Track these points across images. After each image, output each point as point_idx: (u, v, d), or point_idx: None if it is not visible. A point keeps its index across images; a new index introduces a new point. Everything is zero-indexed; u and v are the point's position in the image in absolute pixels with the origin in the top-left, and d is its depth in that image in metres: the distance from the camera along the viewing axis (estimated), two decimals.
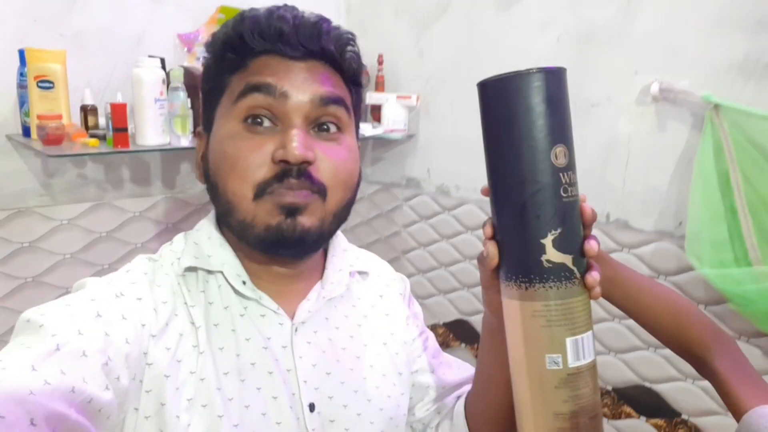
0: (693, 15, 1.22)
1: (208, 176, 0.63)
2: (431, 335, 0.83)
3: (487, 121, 0.48)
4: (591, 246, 0.49)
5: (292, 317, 0.64)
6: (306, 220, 0.58)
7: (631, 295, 0.76)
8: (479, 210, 1.67)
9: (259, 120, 0.59)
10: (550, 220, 0.46)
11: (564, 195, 0.46)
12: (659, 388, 1.33)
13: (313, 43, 0.59)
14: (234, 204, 0.59)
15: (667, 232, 1.32)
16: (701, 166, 1.20)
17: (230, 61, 0.60)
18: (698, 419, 1.28)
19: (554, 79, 0.47)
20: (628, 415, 1.40)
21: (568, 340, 0.47)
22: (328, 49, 0.60)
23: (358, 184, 0.65)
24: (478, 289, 0.89)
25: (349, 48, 0.63)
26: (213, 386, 0.58)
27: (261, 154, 0.57)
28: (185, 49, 1.61)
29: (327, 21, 0.61)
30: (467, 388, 0.80)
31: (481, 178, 0.51)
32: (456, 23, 1.67)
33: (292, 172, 0.57)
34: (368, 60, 1.89)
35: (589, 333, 0.48)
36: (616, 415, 1.42)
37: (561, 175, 0.46)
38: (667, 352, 0.96)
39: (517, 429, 0.52)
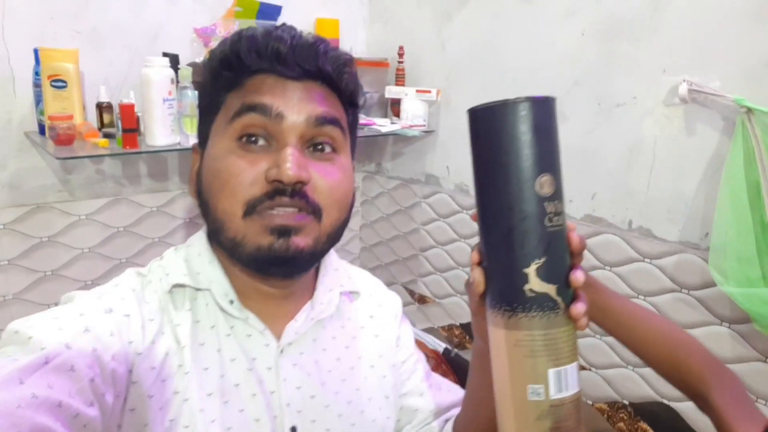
0: (727, 9, 1.13)
1: (200, 193, 0.62)
2: (422, 357, 0.82)
3: (475, 148, 0.49)
4: (576, 277, 0.47)
5: (279, 337, 0.64)
6: (300, 240, 0.57)
7: (625, 323, 0.73)
8: None
9: (253, 139, 0.58)
10: (533, 249, 0.46)
11: (549, 224, 0.46)
12: (678, 406, 1.27)
13: (310, 64, 0.59)
14: (224, 222, 0.58)
15: (691, 243, 1.24)
16: (730, 174, 1.12)
17: (226, 79, 0.60)
18: None
19: (542, 108, 0.46)
20: None
21: (551, 371, 0.46)
22: (325, 70, 0.60)
23: (352, 205, 0.65)
24: None
25: (347, 69, 0.63)
26: (196, 408, 0.58)
27: (253, 173, 0.57)
28: (202, 43, 1.60)
29: (324, 42, 0.61)
30: (456, 411, 0.79)
31: None
32: (478, 14, 1.60)
33: (285, 191, 0.56)
34: (389, 52, 1.84)
35: (574, 364, 0.47)
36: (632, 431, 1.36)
37: (546, 204, 0.46)
38: None
39: None
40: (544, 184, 0.45)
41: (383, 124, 1.70)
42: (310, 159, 0.59)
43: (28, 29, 1.33)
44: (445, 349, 1.76)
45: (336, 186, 0.60)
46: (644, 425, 1.33)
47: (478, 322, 0.56)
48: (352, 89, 0.64)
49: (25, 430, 0.42)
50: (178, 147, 1.30)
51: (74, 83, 1.28)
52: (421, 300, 1.89)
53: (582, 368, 1.46)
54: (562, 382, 0.46)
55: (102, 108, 1.37)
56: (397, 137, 1.86)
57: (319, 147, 0.60)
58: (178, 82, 1.28)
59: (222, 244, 0.60)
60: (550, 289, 0.46)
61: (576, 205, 1.44)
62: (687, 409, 1.25)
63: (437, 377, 0.83)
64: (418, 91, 1.71)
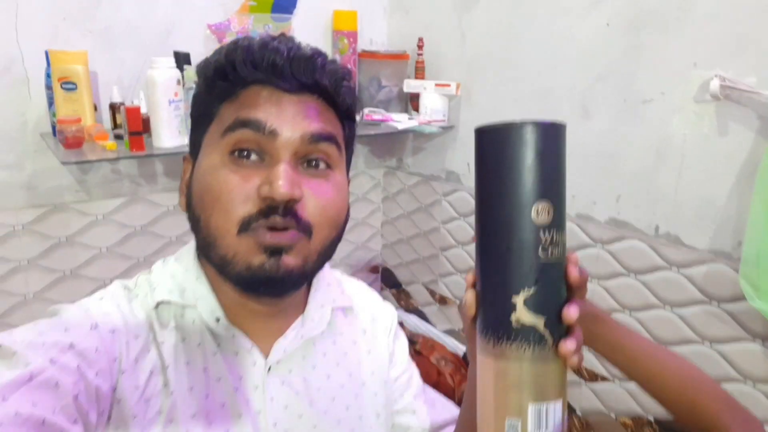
0: None
1: (190, 206, 0.60)
2: (416, 372, 0.80)
3: (477, 168, 0.48)
4: (569, 313, 0.45)
5: (267, 355, 0.63)
6: (290, 260, 0.56)
7: (637, 361, 0.68)
8: None
9: (245, 153, 0.57)
10: (523, 278, 0.44)
11: (542, 254, 0.44)
12: None
13: (307, 77, 0.58)
14: (216, 238, 0.56)
15: (723, 252, 1.15)
16: (766, 179, 1.03)
17: (221, 89, 0.59)
18: None
19: (547, 133, 0.45)
20: None
21: (531, 407, 0.44)
22: (322, 83, 0.59)
23: (345, 222, 0.63)
24: None
25: (344, 83, 0.61)
26: (180, 429, 0.57)
27: (246, 189, 0.55)
28: (216, 39, 1.58)
29: (322, 55, 0.60)
30: (450, 429, 0.77)
31: None
32: (499, 3, 1.52)
33: (278, 209, 0.54)
34: (409, 44, 1.78)
35: (560, 403, 0.45)
36: None
37: (541, 232, 0.44)
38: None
39: None
40: (541, 212, 0.44)
41: (400, 120, 1.65)
42: (304, 175, 0.57)
43: (41, 30, 1.34)
44: (465, 353, 1.72)
45: (329, 204, 0.59)
46: None
47: (471, 346, 0.54)
48: (349, 103, 0.63)
49: None
50: (186, 149, 1.28)
51: (84, 85, 1.28)
52: (442, 301, 1.85)
53: (604, 379, 1.39)
54: (542, 420, 0.44)
55: (115, 108, 1.37)
56: (416, 132, 1.81)
57: (314, 163, 0.59)
58: (184, 83, 1.26)
59: (211, 260, 0.58)
60: (537, 321, 0.44)
61: (599, 208, 1.36)
62: None
63: (432, 393, 0.81)
64: (437, 85, 1.65)
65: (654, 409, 1.28)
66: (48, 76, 1.29)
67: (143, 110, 1.30)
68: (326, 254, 0.61)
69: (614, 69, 1.28)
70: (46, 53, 1.28)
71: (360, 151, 1.97)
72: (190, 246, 0.65)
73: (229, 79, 0.58)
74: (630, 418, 1.34)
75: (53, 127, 1.33)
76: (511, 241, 0.45)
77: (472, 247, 1.70)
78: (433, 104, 1.66)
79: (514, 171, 0.44)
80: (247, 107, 0.57)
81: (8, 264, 1.41)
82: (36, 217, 1.42)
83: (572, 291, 0.47)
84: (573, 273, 0.46)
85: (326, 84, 0.59)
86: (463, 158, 1.71)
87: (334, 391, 0.67)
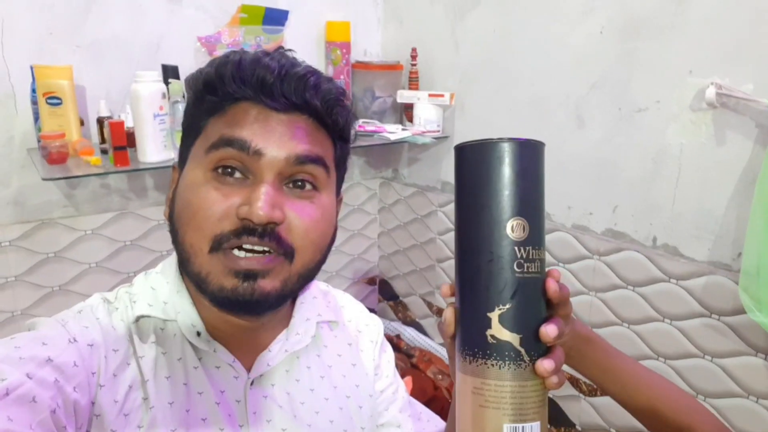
0: (760, 3, 1.00)
1: (171, 218, 0.60)
2: (401, 385, 0.79)
3: (456, 184, 0.48)
4: (546, 331, 0.44)
5: (250, 369, 0.62)
6: (267, 284, 0.55)
7: (628, 385, 0.64)
8: None
9: (229, 170, 0.56)
10: (499, 294, 0.44)
11: (518, 270, 0.44)
12: None
13: (297, 96, 0.56)
14: (190, 255, 0.56)
15: (722, 263, 1.12)
16: (765, 188, 1.00)
17: (209, 103, 0.58)
18: None
19: (525, 151, 0.45)
20: None
21: (506, 426, 0.43)
22: (312, 104, 0.57)
23: (330, 244, 0.62)
24: None
25: (338, 104, 0.60)
26: None
27: (224, 207, 0.54)
28: (206, 52, 1.57)
29: (316, 74, 0.58)
30: None
31: None
32: (492, 11, 1.50)
33: (255, 231, 0.53)
34: (403, 54, 1.76)
35: (537, 423, 0.44)
36: None
37: (517, 248, 0.44)
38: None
39: None
40: (516, 228, 0.44)
41: (393, 131, 1.63)
42: (288, 196, 0.56)
43: (27, 45, 1.32)
44: None
45: (312, 226, 0.57)
46: None
47: (452, 364, 0.53)
48: (342, 124, 0.61)
49: None
50: (172, 163, 1.26)
51: (69, 100, 1.26)
52: (439, 313, 1.81)
53: (604, 393, 1.35)
54: None
55: (102, 123, 1.35)
56: (411, 143, 1.78)
57: (299, 183, 0.57)
58: (170, 96, 1.24)
59: (189, 276, 0.58)
60: (513, 338, 0.44)
61: (596, 219, 1.33)
62: None
63: (418, 406, 0.82)
64: (430, 95, 1.63)
65: None
66: (33, 91, 1.28)
67: (129, 124, 1.28)
68: (308, 276, 0.59)
69: (609, 77, 1.25)
70: (31, 68, 1.27)
71: (355, 161, 1.95)
72: (173, 258, 0.64)
73: (217, 93, 0.57)
74: None
75: (39, 143, 1.32)
76: (486, 256, 0.44)
77: None
78: (427, 114, 1.64)
79: (489, 187, 0.45)
80: (233, 125, 0.56)
81: None
82: (23, 233, 1.40)
83: (552, 308, 0.46)
84: (551, 287, 0.45)
85: (317, 104, 0.57)
86: None
87: (318, 404, 0.66)
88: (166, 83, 1.30)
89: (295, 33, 1.71)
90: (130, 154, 1.26)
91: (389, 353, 0.78)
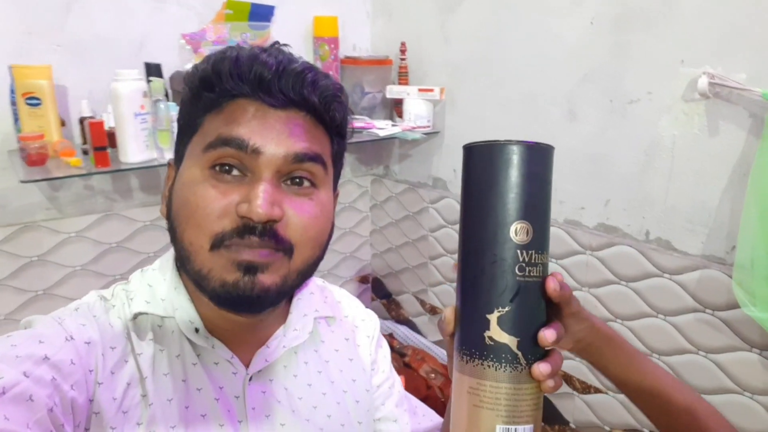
0: None
1: (169, 216, 0.60)
2: (398, 380, 0.80)
3: (463, 184, 0.48)
4: (544, 335, 0.44)
5: (248, 364, 0.62)
6: (266, 279, 0.55)
7: (646, 387, 0.61)
8: None
9: (227, 168, 0.56)
10: (499, 296, 0.44)
11: (519, 273, 0.44)
12: None
13: (295, 93, 0.56)
14: (190, 253, 0.55)
15: (716, 257, 1.10)
16: (759, 179, 0.98)
17: (206, 100, 0.58)
18: None
19: (534, 154, 0.45)
20: None
21: (499, 428, 0.44)
22: (311, 100, 0.57)
23: (328, 241, 0.62)
24: None
25: (336, 100, 0.60)
26: None
27: (223, 204, 0.54)
28: (191, 49, 1.54)
29: (314, 70, 0.58)
30: None
31: None
32: (482, 4, 1.47)
33: (255, 229, 0.53)
34: (393, 49, 1.74)
35: (530, 426, 0.44)
36: None
37: (519, 252, 0.44)
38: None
39: None
40: (519, 231, 0.44)
41: (383, 127, 1.60)
42: (286, 193, 0.56)
43: (5, 45, 1.29)
44: None
45: (311, 223, 0.57)
46: None
47: (450, 363, 0.54)
48: (339, 120, 0.62)
49: None
50: (155, 163, 1.24)
51: (49, 100, 1.23)
52: (432, 311, 1.79)
53: (597, 391, 1.33)
54: None
55: (83, 123, 1.33)
56: (402, 139, 1.76)
57: (297, 180, 0.58)
58: (151, 94, 1.22)
59: (188, 273, 0.58)
60: (510, 341, 0.44)
61: (588, 213, 1.31)
62: None
63: (414, 401, 0.81)
64: (420, 90, 1.61)
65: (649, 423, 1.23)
66: (12, 91, 1.25)
67: (111, 124, 1.25)
68: (307, 273, 0.60)
69: (600, 69, 1.23)
70: (10, 68, 1.24)
71: (346, 158, 1.90)
72: (170, 255, 0.64)
73: (214, 90, 0.57)
74: (624, 431, 1.29)
75: (19, 144, 1.29)
76: (489, 258, 0.45)
77: None
78: (417, 110, 1.61)
79: (495, 189, 0.45)
80: (231, 123, 0.55)
81: None
82: (5, 237, 1.37)
83: (553, 308, 0.47)
84: (551, 285, 0.45)
85: (315, 100, 0.57)
86: (449, 164, 1.66)
87: (316, 399, 0.66)
88: (149, 82, 1.27)
89: (282, 29, 1.68)
90: (111, 154, 1.23)
91: (385, 348, 0.78)
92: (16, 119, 1.27)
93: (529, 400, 0.44)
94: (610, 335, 0.59)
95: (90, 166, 1.22)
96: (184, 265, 0.57)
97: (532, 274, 0.45)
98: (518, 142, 0.45)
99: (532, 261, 0.45)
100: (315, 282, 0.73)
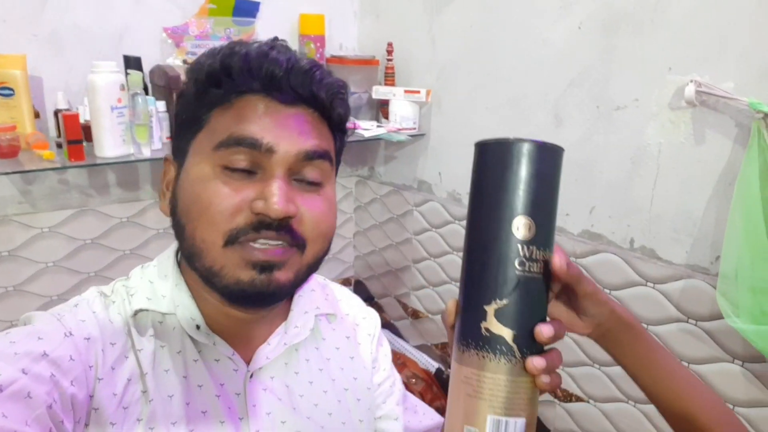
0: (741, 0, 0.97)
1: (175, 213, 0.60)
2: (398, 379, 0.80)
3: (473, 178, 0.49)
4: (540, 330, 0.44)
5: (249, 362, 0.63)
6: (282, 275, 0.56)
7: (661, 380, 0.58)
8: None
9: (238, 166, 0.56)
10: (497, 288, 0.45)
11: (519, 267, 0.45)
12: None
13: (304, 89, 0.57)
14: (202, 250, 0.56)
15: (700, 267, 1.09)
16: (744, 188, 0.97)
17: (212, 95, 0.58)
18: None
19: (543, 153, 0.46)
20: None
21: (490, 418, 0.44)
22: (319, 97, 0.58)
23: (333, 234, 0.64)
24: None
25: (339, 96, 0.61)
26: None
27: (236, 201, 0.55)
28: (173, 43, 1.50)
29: (320, 68, 0.59)
30: None
31: None
32: (469, 6, 1.46)
33: (271, 225, 0.55)
34: (380, 49, 1.72)
35: (523, 420, 0.44)
36: None
37: (520, 246, 0.45)
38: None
39: None
40: (522, 227, 0.45)
41: (368, 128, 1.58)
42: (297, 190, 0.57)
43: None
44: (438, 370, 1.64)
45: (322, 218, 0.59)
46: None
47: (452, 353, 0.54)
48: (343, 116, 0.63)
49: None
50: (132, 159, 1.20)
51: (22, 90, 1.20)
52: (414, 315, 1.77)
53: (579, 399, 1.32)
54: None
55: (59, 115, 1.29)
56: (387, 140, 1.74)
57: (307, 177, 0.59)
58: (129, 87, 1.18)
59: (197, 270, 0.58)
60: (506, 333, 0.44)
61: (573, 220, 1.29)
62: None
63: (414, 400, 0.81)
64: (406, 91, 1.58)
65: None
66: None
67: (87, 117, 1.22)
68: (315, 267, 0.61)
69: (587, 74, 1.22)
70: None
71: None
72: (170, 251, 0.64)
73: (222, 86, 0.57)
74: None
75: None
76: (490, 251, 0.45)
77: (443, 260, 1.63)
78: (402, 111, 1.59)
79: (501, 184, 0.46)
80: (242, 121, 0.56)
81: None
82: None
83: (566, 289, 0.49)
84: (556, 261, 0.45)
85: (323, 97, 0.58)
86: (434, 167, 1.64)
87: (317, 397, 0.67)
88: (128, 75, 1.23)
89: (267, 25, 1.65)
90: (87, 148, 1.19)
91: (386, 347, 0.79)
92: None
93: (523, 394, 0.44)
94: (630, 322, 0.56)
95: (64, 160, 1.18)
96: (192, 261, 0.57)
97: (532, 269, 0.45)
98: (529, 141, 0.45)
99: (533, 257, 0.45)
100: (316, 279, 0.74)
